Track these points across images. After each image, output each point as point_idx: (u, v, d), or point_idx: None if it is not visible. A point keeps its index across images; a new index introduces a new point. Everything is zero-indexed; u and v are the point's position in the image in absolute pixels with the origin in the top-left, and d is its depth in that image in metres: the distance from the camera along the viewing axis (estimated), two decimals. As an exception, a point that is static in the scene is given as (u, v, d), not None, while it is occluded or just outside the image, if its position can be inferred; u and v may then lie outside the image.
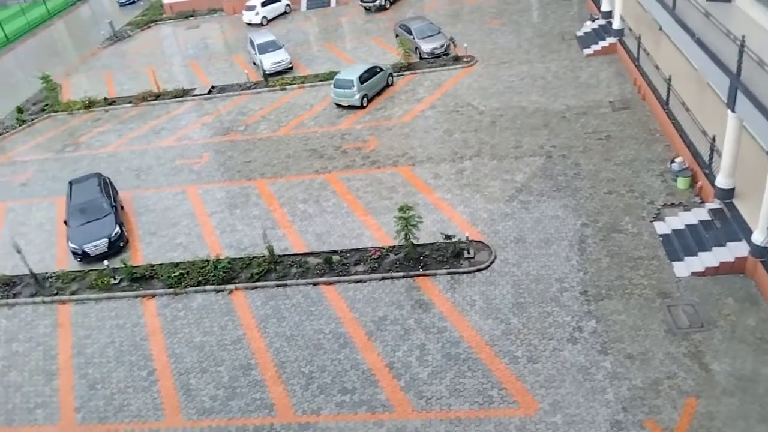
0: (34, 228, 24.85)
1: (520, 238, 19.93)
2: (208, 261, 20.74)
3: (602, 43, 30.52)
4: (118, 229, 22.25)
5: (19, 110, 34.93)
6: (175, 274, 20.37)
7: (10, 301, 20.92)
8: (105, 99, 34.84)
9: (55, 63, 42.47)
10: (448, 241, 19.68)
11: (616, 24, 29.93)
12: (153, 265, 21.17)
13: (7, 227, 25.12)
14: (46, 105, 35.39)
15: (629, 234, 19.28)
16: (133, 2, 50.65)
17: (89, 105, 34.25)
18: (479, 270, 18.92)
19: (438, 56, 32.98)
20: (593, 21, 32.81)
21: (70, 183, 24.49)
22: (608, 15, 31.53)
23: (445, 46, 33.11)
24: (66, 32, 51.47)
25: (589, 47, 30.87)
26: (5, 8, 56.56)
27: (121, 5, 51.60)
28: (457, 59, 32.44)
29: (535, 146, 24.48)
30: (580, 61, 30.22)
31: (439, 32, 33.87)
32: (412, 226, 19.19)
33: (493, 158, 24.25)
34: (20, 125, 33.72)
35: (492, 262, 19.12)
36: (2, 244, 23.84)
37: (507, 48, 33.14)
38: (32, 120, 34.14)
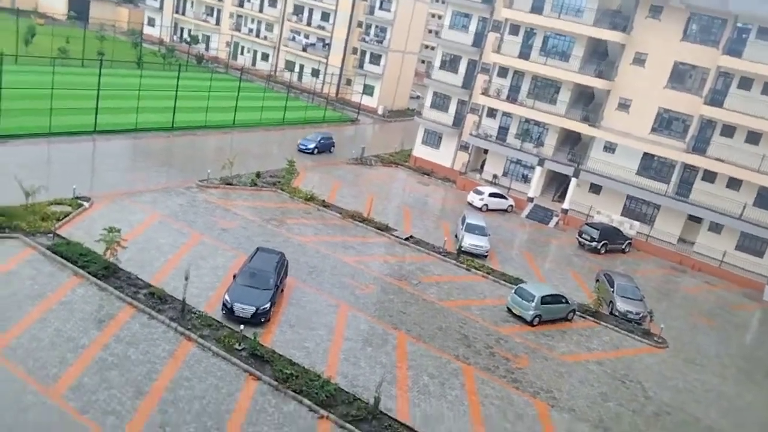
0: (209, 267, 27.38)
1: None
2: (319, 377, 20.75)
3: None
4: (268, 306, 23.52)
5: (258, 175, 40.20)
6: (287, 371, 20.65)
7: (153, 313, 22.74)
8: (323, 201, 38.65)
9: (304, 155, 48.74)
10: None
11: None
12: (275, 352, 21.76)
13: (190, 255, 27.99)
14: (278, 182, 40.29)
15: None
16: (312, 152, 49.78)
17: (309, 199, 38.25)
18: None
19: (629, 320, 31.42)
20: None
21: (258, 249, 26.87)
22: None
23: (641, 315, 31.54)
24: (326, 138, 59.26)
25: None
26: (296, 100, 67.35)
27: (299, 150, 49.92)
28: (647, 334, 30.58)
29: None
30: (781, 406, 26.61)
31: (642, 299, 32.52)
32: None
33: (639, 449, 21.60)
34: (251, 186, 38.63)
35: None
36: (180, 266, 26.45)
37: (704, 351, 30.55)
38: (262, 186, 38.95)
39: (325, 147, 51.36)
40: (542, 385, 24.22)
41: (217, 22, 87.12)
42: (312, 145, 50.24)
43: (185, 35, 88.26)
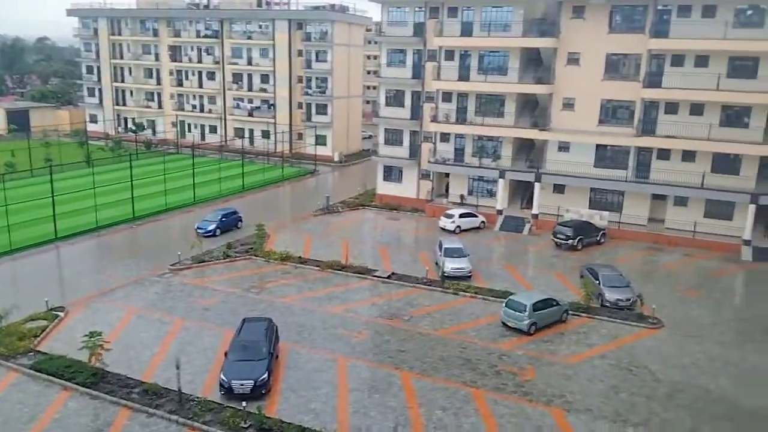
0: (198, 350, 26.82)
1: None
2: (332, 437, 20.36)
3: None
4: (266, 376, 23.10)
5: (228, 246, 39.95)
6: (299, 439, 20.22)
7: (150, 410, 22.08)
8: (299, 257, 38.48)
9: (270, 217, 48.53)
10: None
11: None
12: (282, 422, 21.28)
13: (176, 342, 27.42)
14: (251, 248, 40.02)
15: None
16: (214, 234, 43.07)
17: (284, 258, 38.05)
18: None
19: (621, 308, 31.73)
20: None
21: (244, 320, 26.51)
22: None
23: (631, 301, 31.91)
24: (290, 195, 59.48)
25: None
26: (252, 164, 67.52)
27: (199, 234, 42.08)
28: (641, 317, 30.89)
29: (714, 438, 21.41)
30: (785, 360, 26.95)
31: (628, 285, 32.94)
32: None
33: (661, 435, 21.60)
34: (224, 258, 38.32)
35: None
36: (167, 355, 25.90)
37: (699, 323, 30.92)
38: (235, 257, 38.66)
39: (229, 224, 44.73)
40: (553, 392, 24.14)
41: (160, 105, 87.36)
42: (212, 227, 43.62)
43: (130, 124, 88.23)
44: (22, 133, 79.06)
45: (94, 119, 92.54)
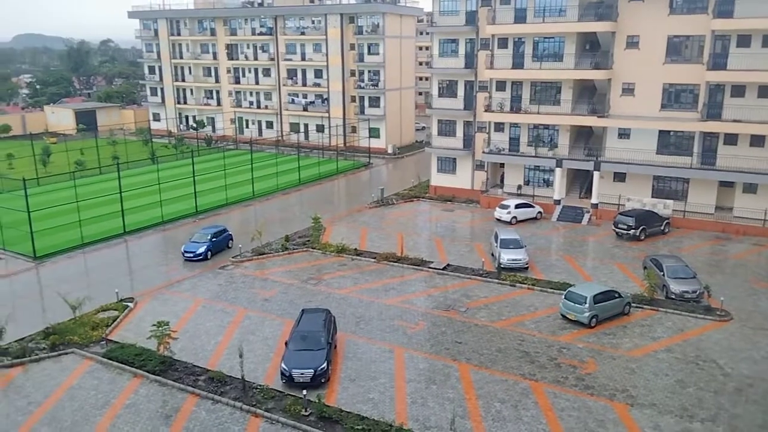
0: (259, 339, 27.58)
1: None
2: (391, 426, 20.57)
3: None
4: (325, 365, 23.54)
5: (287, 239, 40.75)
6: (358, 427, 20.52)
7: (216, 397, 22.90)
8: (355, 249, 38.88)
9: (326, 209, 49.27)
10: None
11: None
12: (342, 411, 21.68)
13: (239, 332, 28.27)
14: (308, 241, 40.73)
15: None
16: (205, 258, 37.57)
17: (341, 251, 38.53)
18: None
19: (687, 300, 30.64)
20: None
21: (303, 311, 27.07)
22: None
23: (697, 293, 30.73)
24: (345, 188, 60.05)
25: None
26: (307, 158, 68.53)
27: (186, 259, 37.72)
28: (708, 310, 29.74)
29: (789, 435, 20.49)
30: None
31: (694, 277, 31.74)
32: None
33: None
34: (283, 251, 39.13)
35: None
36: (231, 344, 26.76)
37: (772, 314, 29.59)
38: (293, 249, 39.41)
39: (220, 245, 39.24)
40: (616, 386, 23.61)
41: (218, 103, 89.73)
42: (202, 249, 37.63)
43: (191, 122, 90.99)
44: (90, 133, 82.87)
45: (157, 117, 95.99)
